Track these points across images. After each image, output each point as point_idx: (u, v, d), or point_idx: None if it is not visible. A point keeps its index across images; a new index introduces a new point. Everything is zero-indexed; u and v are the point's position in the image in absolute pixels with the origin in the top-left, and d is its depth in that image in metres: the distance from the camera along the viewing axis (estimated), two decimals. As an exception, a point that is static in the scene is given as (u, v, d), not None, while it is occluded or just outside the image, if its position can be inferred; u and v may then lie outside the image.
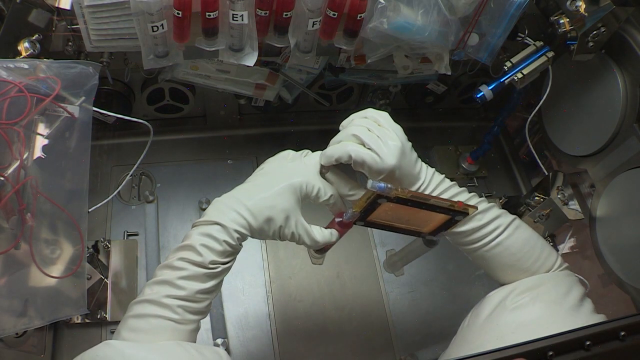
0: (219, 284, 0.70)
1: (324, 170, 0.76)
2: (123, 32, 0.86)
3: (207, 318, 1.07)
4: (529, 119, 1.17)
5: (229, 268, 0.70)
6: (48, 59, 0.81)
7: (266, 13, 0.86)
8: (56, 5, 0.85)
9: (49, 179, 0.77)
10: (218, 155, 1.34)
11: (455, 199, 0.76)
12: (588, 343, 0.52)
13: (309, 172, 0.74)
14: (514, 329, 0.70)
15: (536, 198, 1.19)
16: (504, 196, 1.31)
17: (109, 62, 0.98)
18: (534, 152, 1.23)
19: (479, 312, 0.76)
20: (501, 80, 1.04)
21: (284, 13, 0.87)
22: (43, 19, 0.87)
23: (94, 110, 0.82)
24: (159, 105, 1.28)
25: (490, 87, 1.06)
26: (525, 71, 1.02)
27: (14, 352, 0.92)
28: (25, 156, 0.72)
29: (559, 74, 1.08)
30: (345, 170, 0.77)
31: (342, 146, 0.72)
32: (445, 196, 0.77)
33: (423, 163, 0.77)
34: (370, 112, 0.75)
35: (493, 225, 0.77)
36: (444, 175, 0.79)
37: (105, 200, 1.09)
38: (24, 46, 0.84)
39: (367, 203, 0.70)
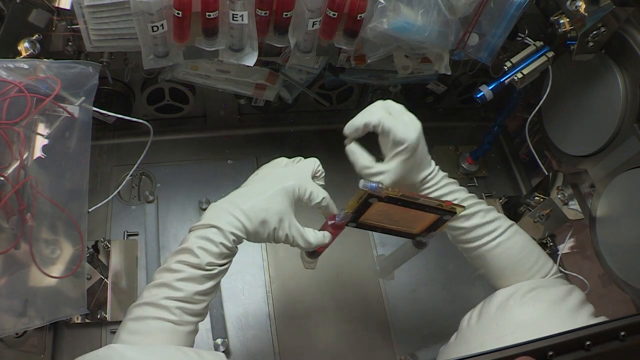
0: (216, 286, 0.71)
1: (347, 142, 0.79)
2: (123, 32, 0.86)
3: (207, 318, 1.07)
4: (529, 119, 1.17)
5: (225, 270, 0.72)
6: (48, 59, 0.81)
7: (266, 13, 0.86)
8: (56, 5, 0.85)
9: (49, 179, 0.77)
10: (218, 155, 1.34)
11: (454, 196, 0.78)
12: (588, 343, 0.52)
13: (301, 176, 0.77)
14: (514, 329, 0.70)
15: (536, 198, 1.19)
16: (504, 196, 1.31)
17: (109, 62, 0.98)
18: (534, 152, 1.23)
19: (482, 313, 0.76)
20: (501, 80, 1.04)
21: (284, 13, 0.87)
22: (43, 19, 0.87)
23: (94, 110, 0.82)
24: (159, 105, 1.28)
25: (490, 87, 1.06)
26: (525, 71, 1.02)
27: (14, 352, 0.92)
28: (25, 156, 0.72)
29: (559, 74, 1.08)
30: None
31: (371, 113, 0.75)
32: (445, 191, 0.80)
33: None
34: (388, 102, 0.78)
35: (495, 224, 0.80)
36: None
37: (105, 200, 1.08)
38: (24, 46, 0.84)
39: (359, 203, 0.73)
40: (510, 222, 0.82)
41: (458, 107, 1.49)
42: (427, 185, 0.80)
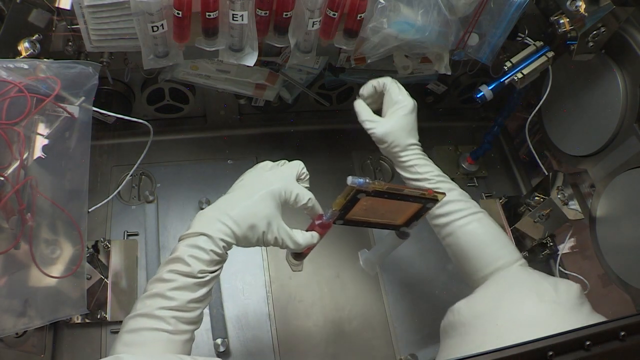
0: (209, 293, 0.72)
1: (357, 98, 0.97)
2: (123, 32, 0.86)
3: (207, 318, 1.07)
4: (529, 119, 1.17)
5: (217, 276, 0.72)
6: (48, 59, 0.81)
7: (266, 13, 0.86)
8: (56, 5, 0.85)
9: (49, 179, 0.77)
10: (218, 155, 1.34)
11: (429, 169, 0.90)
12: (588, 343, 0.52)
13: (286, 179, 0.78)
14: (514, 329, 0.70)
15: (536, 198, 1.19)
16: (504, 196, 1.31)
17: (109, 62, 0.98)
18: (534, 152, 1.23)
19: (480, 312, 0.76)
20: (501, 80, 1.04)
21: (284, 13, 0.87)
22: (43, 19, 0.87)
23: (94, 110, 0.82)
24: (159, 105, 1.28)
25: (490, 87, 1.06)
26: (525, 71, 1.02)
27: (14, 352, 0.92)
28: (25, 156, 0.72)
29: (559, 74, 1.08)
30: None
31: (382, 78, 0.95)
32: (423, 162, 0.91)
33: None
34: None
35: (470, 203, 0.89)
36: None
37: (105, 200, 1.09)
38: (24, 46, 0.84)
39: (347, 200, 0.74)
40: (482, 209, 0.89)
41: (458, 107, 1.49)
42: (409, 152, 0.91)
